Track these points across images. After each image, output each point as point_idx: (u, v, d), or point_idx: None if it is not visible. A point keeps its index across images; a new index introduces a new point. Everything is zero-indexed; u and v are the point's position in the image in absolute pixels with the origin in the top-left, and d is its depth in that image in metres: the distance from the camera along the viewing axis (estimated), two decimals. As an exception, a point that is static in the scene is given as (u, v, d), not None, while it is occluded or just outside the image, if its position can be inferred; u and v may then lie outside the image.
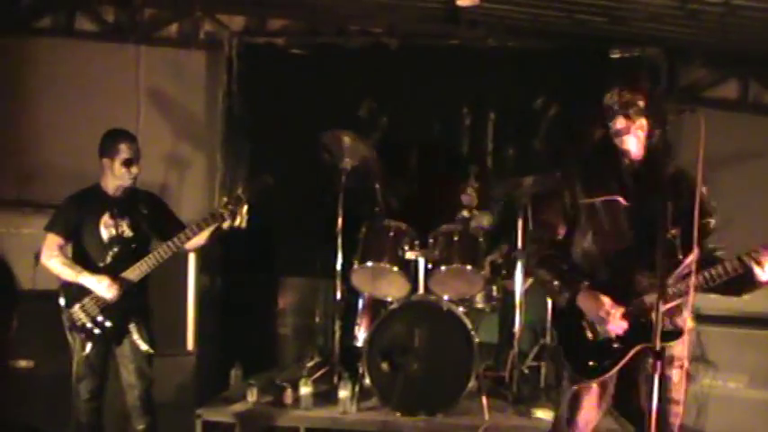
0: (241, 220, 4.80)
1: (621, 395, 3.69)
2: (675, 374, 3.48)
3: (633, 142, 3.48)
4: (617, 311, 3.41)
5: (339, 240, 5.73)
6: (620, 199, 3.54)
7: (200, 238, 4.78)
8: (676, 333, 3.39)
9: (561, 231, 3.67)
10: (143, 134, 5.26)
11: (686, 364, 3.44)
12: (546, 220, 3.71)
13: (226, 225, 4.73)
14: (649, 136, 3.44)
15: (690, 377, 3.46)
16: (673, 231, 3.39)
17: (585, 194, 3.60)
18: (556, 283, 3.56)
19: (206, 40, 6.87)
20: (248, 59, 6.75)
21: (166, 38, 6.89)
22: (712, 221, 3.50)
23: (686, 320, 3.42)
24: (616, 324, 3.42)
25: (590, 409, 3.64)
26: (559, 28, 6.15)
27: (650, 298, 3.37)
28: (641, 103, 3.39)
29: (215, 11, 6.81)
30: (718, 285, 3.34)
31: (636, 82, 3.48)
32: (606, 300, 3.43)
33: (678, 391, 3.48)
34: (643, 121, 3.43)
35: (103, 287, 4.51)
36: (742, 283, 3.36)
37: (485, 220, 5.89)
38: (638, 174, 3.55)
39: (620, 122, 3.45)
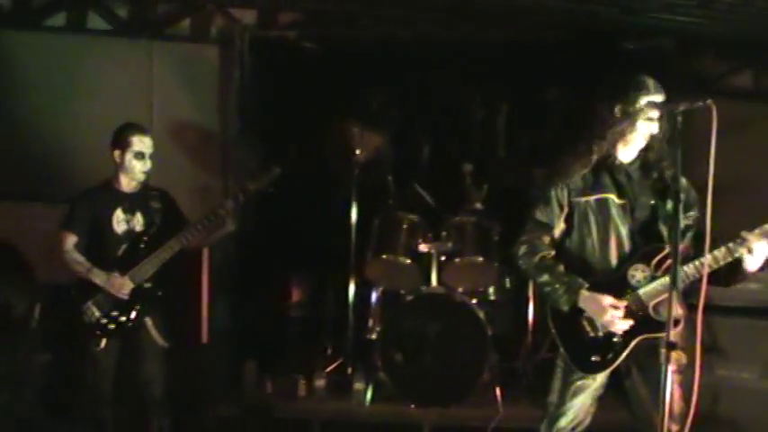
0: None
1: (620, 387, 3.70)
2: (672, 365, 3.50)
3: (641, 144, 3.51)
4: (620, 311, 3.44)
5: (352, 233, 5.75)
6: (614, 197, 3.58)
7: (209, 233, 4.80)
8: (675, 323, 3.40)
9: (557, 230, 3.69)
10: (156, 130, 5.27)
11: (681, 354, 3.44)
12: (540, 219, 3.71)
13: (233, 221, 4.74)
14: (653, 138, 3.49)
15: (683, 365, 3.44)
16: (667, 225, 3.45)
17: (579, 193, 3.63)
18: (557, 286, 3.58)
19: (218, 34, 6.86)
20: (261, 54, 6.76)
21: (179, 33, 6.89)
22: (694, 213, 3.53)
23: (682, 311, 3.45)
24: (621, 325, 3.45)
25: (583, 400, 3.68)
26: (572, 19, 6.12)
27: (646, 291, 3.45)
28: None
29: (227, 5, 6.81)
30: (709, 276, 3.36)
31: (658, 87, 3.49)
32: (607, 301, 3.45)
33: (676, 381, 3.49)
34: (657, 125, 3.46)
35: (114, 285, 4.54)
36: (729, 272, 3.40)
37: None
38: (630, 173, 3.60)
39: (646, 126, 3.46)
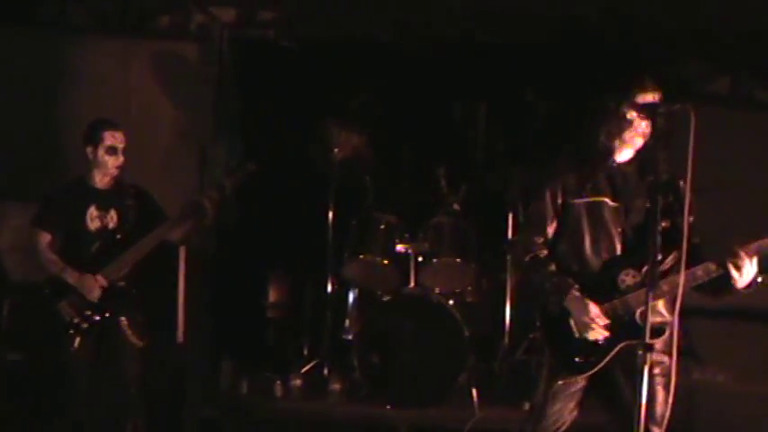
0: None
1: (600, 389, 3.70)
2: (656, 368, 3.49)
3: (637, 145, 3.49)
4: (602, 321, 3.43)
5: (330, 233, 5.74)
6: (608, 200, 3.56)
7: (184, 230, 4.76)
8: (661, 330, 3.41)
9: (550, 230, 3.67)
10: (134, 126, 5.23)
11: (666, 359, 3.44)
12: (534, 218, 3.70)
13: (210, 217, 4.70)
14: (651, 137, 3.41)
15: (672, 371, 3.44)
16: (663, 224, 3.40)
17: (574, 194, 3.61)
18: (546, 285, 3.57)
19: (197, 31, 6.84)
20: (239, 51, 6.74)
21: (158, 29, 6.86)
22: (691, 218, 3.50)
23: (669, 317, 3.44)
24: (599, 333, 3.45)
25: (566, 401, 3.67)
26: (554, 20, 6.13)
27: (634, 296, 3.40)
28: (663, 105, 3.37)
29: (206, 2, 6.78)
30: (698, 286, 3.36)
31: (657, 85, 3.47)
32: (593, 308, 3.44)
33: (661, 385, 3.49)
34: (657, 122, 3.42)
35: (86, 286, 4.50)
36: (718, 285, 3.38)
37: None
38: (627, 175, 3.56)
39: (645, 126, 3.43)
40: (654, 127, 3.30)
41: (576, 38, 6.36)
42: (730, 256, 3.28)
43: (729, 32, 5.94)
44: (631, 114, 3.44)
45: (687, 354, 5.44)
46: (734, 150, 6.11)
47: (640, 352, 3.02)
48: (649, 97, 3.39)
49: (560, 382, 3.60)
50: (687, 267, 3.27)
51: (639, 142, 3.48)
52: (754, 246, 3.28)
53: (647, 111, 3.33)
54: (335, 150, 5.77)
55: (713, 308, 5.38)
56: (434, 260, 5.50)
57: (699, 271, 3.33)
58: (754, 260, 3.28)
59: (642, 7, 5.51)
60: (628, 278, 3.47)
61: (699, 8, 5.49)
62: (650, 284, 3.05)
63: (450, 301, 5.52)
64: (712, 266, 3.31)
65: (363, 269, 5.69)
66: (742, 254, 3.26)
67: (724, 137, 5.90)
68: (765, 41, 5.94)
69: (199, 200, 4.73)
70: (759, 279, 3.32)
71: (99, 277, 4.52)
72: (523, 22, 6.27)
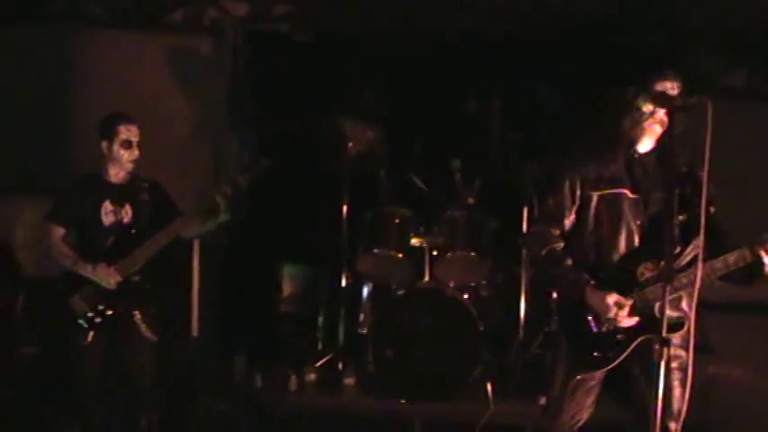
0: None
1: (620, 385, 3.68)
2: (674, 362, 3.47)
3: (656, 135, 3.46)
4: (624, 309, 3.40)
5: (344, 227, 5.73)
6: (627, 191, 3.52)
7: (198, 225, 4.76)
8: (680, 324, 3.38)
9: (567, 222, 3.64)
10: (148, 120, 5.23)
11: (684, 354, 3.42)
12: (551, 210, 3.66)
13: (224, 212, 4.70)
14: (669, 129, 3.33)
15: (689, 366, 3.41)
16: (680, 217, 3.38)
17: (592, 186, 3.58)
18: (563, 281, 3.55)
19: (211, 26, 6.84)
20: (253, 46, 6.73)
21: (172, 24, 6.86)
22: (712, 209, 3.46)
23: (688, 311, 3.40)
24: (625, 323, 3.42)
25: (584, 396, 3.66)
26: (567, 14, 6.10)
27: (653, 290, 3.37)
28: (680, 98, 3.34)
29: (220, -3, 6.80)
30: (727, 275, 3.32)
31: (677, 75, 3.43)
32: (612, 298, 3.41)
33: (678, 379, 3.47)
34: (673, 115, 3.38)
35: (101, 276, 4.50)
36: (751, 273, 3.34)
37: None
38: (646, 166, 3.53)
39: (663, 114, 3.38)
40: (671, 118, 3.25)
41: (590, 33, 6.33)
42: (762, 242, 3.26)
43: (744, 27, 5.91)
44: (648, 106, 3.41)
45: (703, 348, 5.41)
46: (751, 143, 6.07)
47: (657, 346, 2.99)
48: (668, 85, 3.35)
49: (578, 377, 3.58)
50: (714, 256, 3.26)
51: (658, 130, 3.44)
52: None
53: (664, 101, 3.30)
54: (350, 144, 5.76)
55: (729, 302, 5.39)
56: (449, 254, 5.48)
57: (731, 258, 3.29)
58: None
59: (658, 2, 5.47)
60: (647, 271, 3.44)
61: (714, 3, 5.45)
62: (666, 278, 3.01)
63: (465, 296, 5.50)
64: (736, 256, 3.28)
65: (377, 263, 5.68)
66: None
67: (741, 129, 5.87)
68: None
69: (213, 196, 4.73)
70: None
71: (114, 270, 4.53)
72: (538, 16, 6.25)
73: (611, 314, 3.40)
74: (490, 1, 6.01)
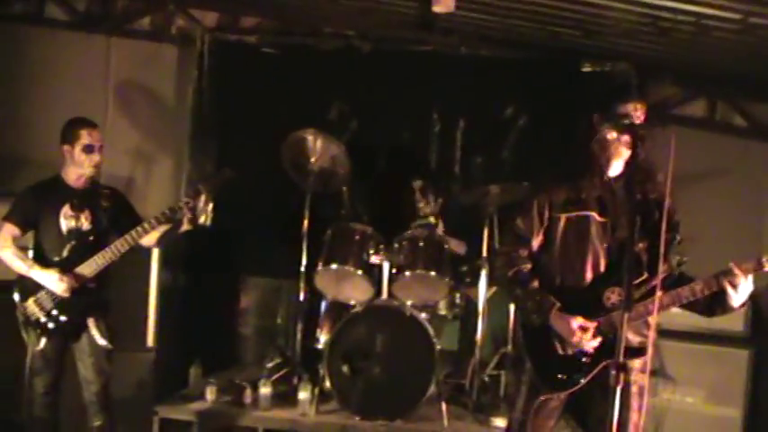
0: (206, 218, 4.75)
1: (580, 407, 3.71)
2: (634, 387, 3.50)
3: (624, 157, 3.49)
4: (588, 333, 3.42)
5: (304, 241, 5.71)
6: (595, 214, 3.55)
7: (159, 234, 4.73)
8: (640, 350, 3.42)
9: (535, 243, 3.67)
10: (111, 126, 5.22)
11: (643, 378, 3.46)
12: (519, 231, 3.68)
13: (186, 221, 4.67)
14: (635, 154, 3.36)
15: (645, 390, 3.45)
16: (640, 245, 3.41)
17: (561, 208, 3.60)
18: (528, 304, 3.57)
19: (178, 34, 6.82)
20: (220, 56, 6.71)
21: (138, 30, 6.83)
22: (677, 236, 3.51)
23: (649, 337, 3.44)
24: (588, 346, 3.44)
25: (546, 417, 3.68)
26: (533, 39, 6.17)
27: (618, 315, 3.38)
28: (643, 121, 3.38)
29: (188, 5, 6.76)
30: (689, 304, 3.37)
31: (642, 98, 3.48)
32: (576, 324, 3.43)
33: (636, 403, 3.51)
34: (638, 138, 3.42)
35: (54, 282, 4.45)
36: (713, 303, 3.39)
37: (461, 249, 5.94)
38: (616, 190, 3.56)
39: (626, 136, 3.41)
40: (635, 144, 3.29)
41: (556, 57, 6.41)
42: (726, 274, 3.30)
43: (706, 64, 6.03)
44: (612, 134, 3.45)
45: (659, 374, 5.48)
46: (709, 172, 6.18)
47: (613, 372, 2.98)
48: (631, 107, 3.40)
49: (541, 399, 3.60)
50: (684, 284, 3.31)
51: (626, 153, 3.47)
52: (751, 264, 3.28)
53: (627, 128, 3.34)
54: (313, 159, 5.76)
55: (685, 329, 5.46)
56: (407, 272, 5.49)
57: (697, 287, 3.33)
58: (750, 278, 3.29)
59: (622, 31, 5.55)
60: (613, 296, 3.47)
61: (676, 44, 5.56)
62: (625, 305, 3.03)
63: (423, 314, 5.51)
64: (701, 286, 3.32)
65: (336, 279, 5.66)
66: (738, 272, 3.27)
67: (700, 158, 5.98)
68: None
69: (174, 205, 4.70)
70: None
71: (69, 277, 4.47)
72: (505, 38, 6.31)
73: (576, 339, 3.42)
74: (462, 24, 6.04)
